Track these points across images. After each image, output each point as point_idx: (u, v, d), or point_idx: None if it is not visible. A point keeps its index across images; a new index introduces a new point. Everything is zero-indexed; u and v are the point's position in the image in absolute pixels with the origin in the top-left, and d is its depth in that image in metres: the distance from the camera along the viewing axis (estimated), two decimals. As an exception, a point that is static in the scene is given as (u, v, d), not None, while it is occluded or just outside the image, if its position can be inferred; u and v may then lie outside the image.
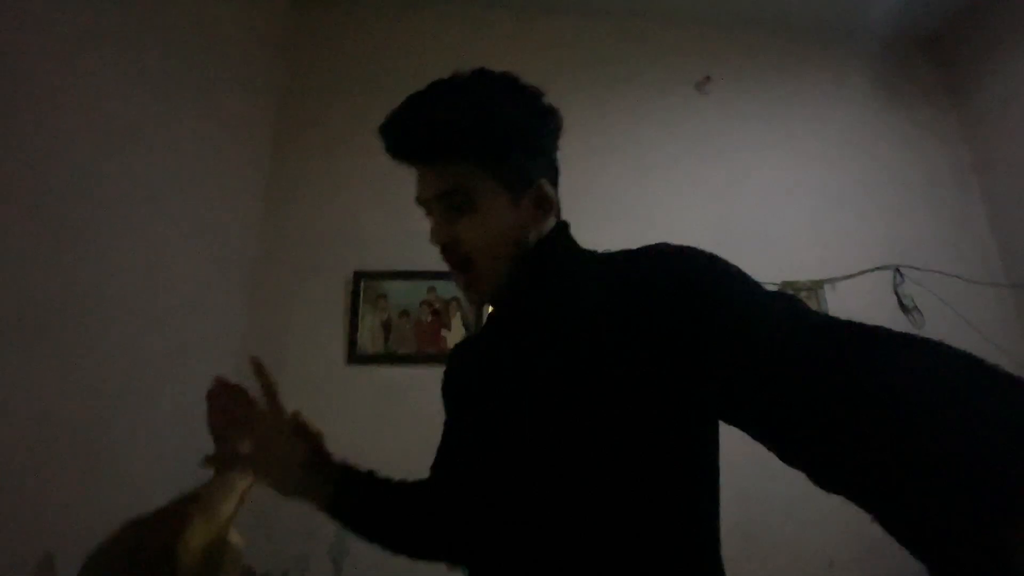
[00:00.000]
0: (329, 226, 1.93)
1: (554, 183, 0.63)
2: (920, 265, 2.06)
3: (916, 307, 2.00)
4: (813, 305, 1.97)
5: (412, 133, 0.58)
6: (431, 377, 1.79)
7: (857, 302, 1.97)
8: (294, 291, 1.85)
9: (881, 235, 2.13)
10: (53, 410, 0.94)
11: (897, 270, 2.05)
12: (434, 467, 0.73)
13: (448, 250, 0.60)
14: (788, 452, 0.36)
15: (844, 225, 2.13)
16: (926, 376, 0.30)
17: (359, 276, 1.85)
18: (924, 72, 2.42)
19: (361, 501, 0.68)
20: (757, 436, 0.39)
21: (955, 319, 2.01)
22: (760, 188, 2.14)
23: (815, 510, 1.68)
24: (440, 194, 0.59)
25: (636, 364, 0.47)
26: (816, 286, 1.99)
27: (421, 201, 0.62)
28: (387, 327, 1.83)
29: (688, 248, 0.51)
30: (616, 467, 0.48)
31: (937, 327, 1.98)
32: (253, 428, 0.70)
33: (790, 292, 0.43)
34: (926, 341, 0.33)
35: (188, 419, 1.16)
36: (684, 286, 0.47)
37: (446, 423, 0.73)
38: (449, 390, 0.73)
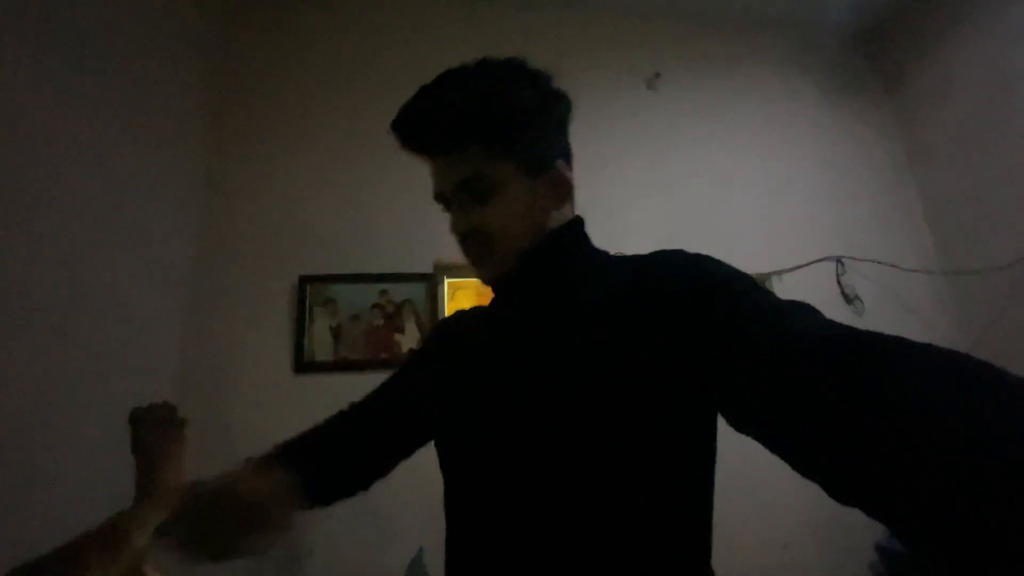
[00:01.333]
0: (272, 228, 1.84)
1: (570, 165, 0.63)
2: (861, 255, 2.14)
3: (858, 296, 2.08)
4: (762, 297, 2.02)
5: (425, 124, 0.58)
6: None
7: (803, 293, 2.01)
8: (236, 298, 1.76)
9: (825, 226, 2.20)
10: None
11: (839, 260, 2.12)
12: (362, 408, 0.72)
13: (470, 239, 0.59)
14: (803, 465, 0.35)
15: (790, 217, 2.19)
16: (943, 384, 0.29)
17: (305, 280, 1.78)
18: (861, 66, 2.51)
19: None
20: (772, 448, 0.37)
21: (894, 307, 2.10)
22: (709, 182, 2.18)
23: (770, 496, 1.73)
24: (458, 184, 0.58)
25: (647, 362, 0.47)
26: (764, 279, 2.03)
27: (439, 195, 0.62)
28: (337, 333, 1.76)
29: (703, 255, 0.51)
30: (619, 458, 0.48)
31: (878, 315, 2.06)
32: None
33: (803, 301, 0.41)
34: (943, 351, 0.32)
35: (120, 439, 1.09)
36: (697, 288, 0.47)
37: (402, 377, 0.73)
38: (434, 355, 0.72)
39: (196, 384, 1.63)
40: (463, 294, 2.14)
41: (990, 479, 0.24)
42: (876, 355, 0.32)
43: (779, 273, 2.06)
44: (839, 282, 2.10)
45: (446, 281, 1.94)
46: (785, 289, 2.04)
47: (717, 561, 0.53)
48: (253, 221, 1.84)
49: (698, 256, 0.51)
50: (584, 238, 0.63)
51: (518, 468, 0.52)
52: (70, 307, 1.17)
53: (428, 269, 1.87)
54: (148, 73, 1.52)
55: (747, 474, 1.63)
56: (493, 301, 0.68)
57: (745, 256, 2.05)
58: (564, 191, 0.61)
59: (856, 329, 0.36)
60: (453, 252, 2.17)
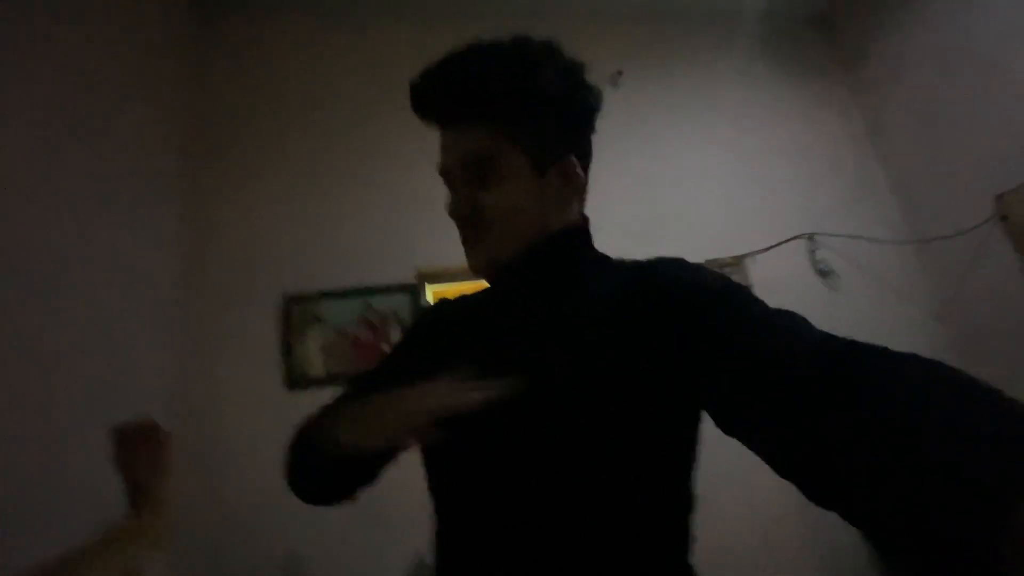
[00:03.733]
0: (253, 252, 1.87)
1: (585, 166, 0.60)
2: (831, 231, 2.21)
3: (832, 270, 2.14)
4: (739, 278, 2.07)
5: (442, 90, 0.56)
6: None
7: (777, 272, 2.09)
8: (222, 322, 1.78)
9: (794, 206, 2.26)
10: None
11: (810, 237, 2.18)
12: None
13: (467, 221, 0.57)
14: (782, 466, 0.36)
15: (759, 200, 2.25)
16: (922, 395, 0.30)
17: (290, 300, 1.81)
18: (816, 49, 2.59)
19: None
20: (754, 448, 0.39)
21: (866, 278, 2.16)
22: (678, 173, 2.23)
23: (751, 489, 1.75)
24: (464, 159, 0.56)
25: (640, 364, 0.47)
26: (738, 261, 2.09)
27: (443, 170, 0.59)
28: (326, 348, 1.79)
29: (700, 264, 0.51)
30: (606, 455, 0.48)
31: (851, 287, 2.12)
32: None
33: (792, 310, 0.43)
34: (925, 361, 0.33)
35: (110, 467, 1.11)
36: (693, 296, 0.47)
37: (392, 362, 0.69)
38: (424, 338, 0.69)
39: (190, 409, 1.65)
40: (448, 301, 2.18)
41: (960, 492, 0.25)
42: (856, 365, 0.34)
43: (753, 255, 2.12)
44: (812, 258, 2.16)
45: (429, 289, 1.98)
46: (760, 270, 2.10)
47: (701, 548, 0.54)
48: (233, 246, 1.87)
49: (698, 266, 0.51)
50: (589, 242, 0.62)
51: (506, 462, 0.51)
52: (59, 345, 1.19)
53: (411, 279, 1.90)
54: (121, 105, 1.54)
55: (723, 468, 1.68)
56: (485, 292, 0.66)
57: (718, 241, 2.11)
58: (573, 188, 0.58)
59: (840, 339, 0.37)
60: (434, 260, 2.20)
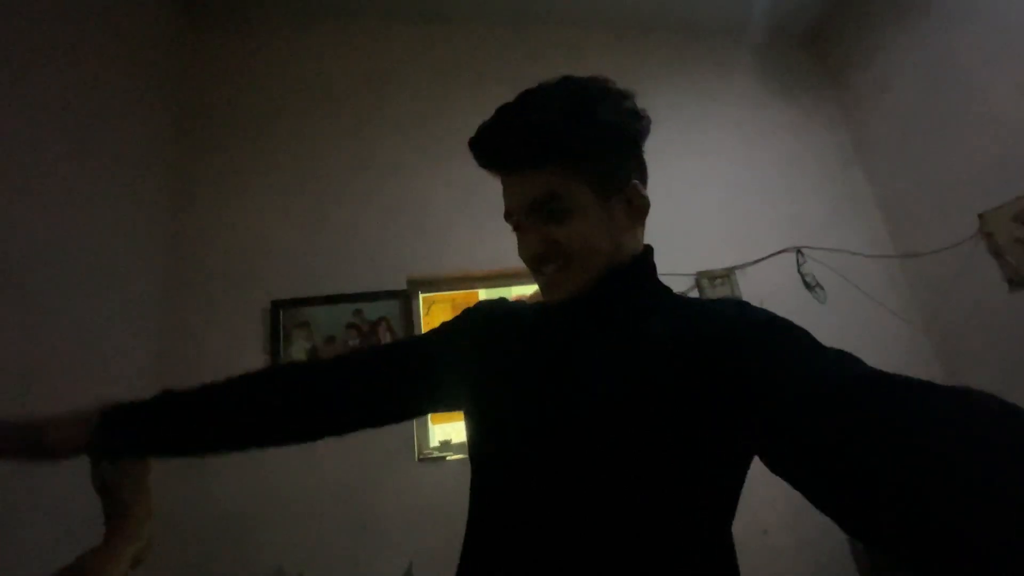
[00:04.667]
0: (240, 256, 1.85)
1: (644, 183, 0.63)
2: (818, 244, 2.23)
3: (818, 284, 2.16)
4: (727, 291, 2.09)
5: (504, 139, 0.58)
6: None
7: (766, 285, 2.11)
8: (207, 327, 1.76)
9: (782, 219, 2.29)
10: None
11: (799, 251, 2.21)
12: (373, 353, 0.71)
13: (544, 259, 0.58)
14: (820, 497, 0.36)
15: (749, 213, 2.27)
16: (973, 434, 0.30)
17: (277, 304, 1.79)
18: (805, 65, 2.64)
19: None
20: (797, 484, 0.38)
21: (853, 292, 2.19)
22: (669, 185, 2.24)
23: (749, 483, 1.76)
24: (533, 202, 0.57)
25: (701, 401, 0.48)
26: (728, 273, 2.10)
27: (510, 213, 0.61)
28: (312, 354, 1.77)
29: (762, 310, 0.53)
30: (663, 491, 0.49)
31: (838, 300, 2.14)
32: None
33: (847, 351, 0.43)
34: (980, 396, 0.32)
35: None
36: (753, 335, 0.48)
37: (426, 342, 0.72)
38: (473, 338, 0.70)
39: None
40: (438, 308, 2.17)
41: (1003, 528, 0.25)
42: (898, 400, 0.34)
43: (742, 267, 2.14)
44: (800, 271, 2.18)
45: (420, 296, 1.97)
46: (749, 282, 2.12)
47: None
48: (221, 249, 1.85)
49: (762, 309, 0.53)
50: (653, 270, 0.64)
51: (563, 485, 0.52)
52: (40, 349, 1.16)
53: (401, 286, 1.89)
54: (109, 107, 1.53)
55: None
56: (549, 311, 0.66)
57: (708, 254, 2.13)
58: (639, 210, 0.61)
59: (887, 374, 0.37)
60: (425, 268, 2.19)
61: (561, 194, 0.56)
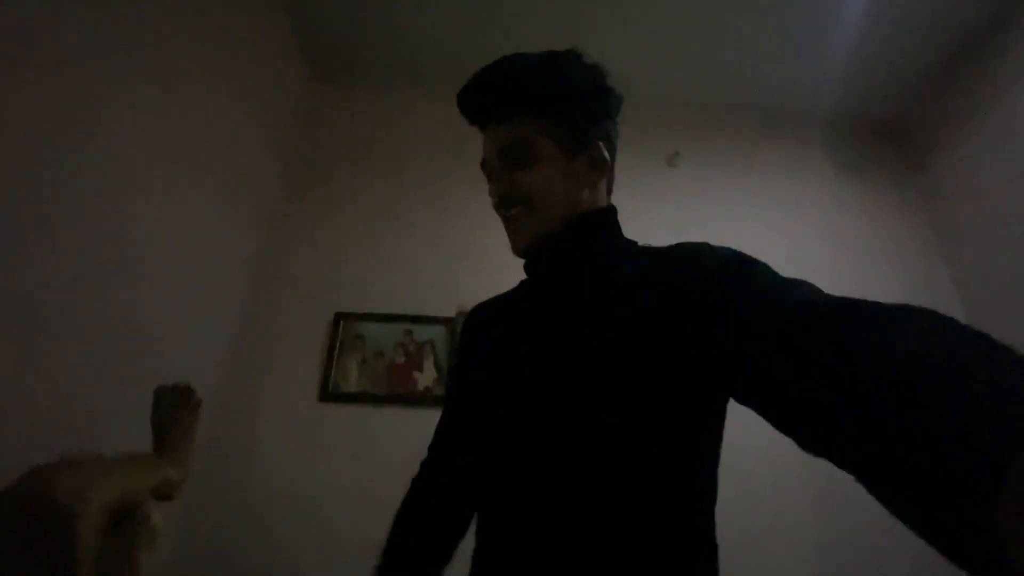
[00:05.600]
0: (318, 271, 2.08)
1: (611, 148, 0.68)
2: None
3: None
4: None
5: (483, 91, 0.65)
6: (398, 419, 1.84)
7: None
8: (279, 330, 1.96)
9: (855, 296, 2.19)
10: (46, 416, 1.04)
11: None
12: (442, 443, 0.76)
13: (508, 200, 0.64)
14: (781, 416, 0.36)
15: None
16: (924, 344, 0.30)
17: (340, 316, 1.97)
18: (882, 150, 2.60)
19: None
20: (761, 410, 0.39)
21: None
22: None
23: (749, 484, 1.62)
24: (503, 148, 0.64)
25: (671, 339, 0.50)
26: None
27: (485, 163, 0.68)
28: (362, 367, 1.91)
29: (722, 247, 0.55)
30: (633, 439, 0.50)
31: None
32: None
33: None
34: (929, 313, 0.33)
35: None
36: (715, 270, 0.50)
37: (455, 390, 0.77)
38: (470, 344, 0.76)
39: (228, 408, 1.79)
40: (483, 342, 2.26)
41: (957, 437, 0.24)
42: (863, 317, 0.34)
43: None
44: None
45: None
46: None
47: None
48: (303, 264, 2.10)
49: (721, 246, 0.54)
50: (616, 225, 0.68)
51: (547, 442, 0.53)
52: (130, 323, 1.35)
53: (450, 314, 2.02)
54: (239, 143, 1.85)
55: (730, 464, 1.58)
56: (518, 288, 0.72)
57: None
58: (600, 170, 0.66)
59: (844, 297, 0.38)
60: (473, 300, 2.30)
61: (529, 142, 0.63)
